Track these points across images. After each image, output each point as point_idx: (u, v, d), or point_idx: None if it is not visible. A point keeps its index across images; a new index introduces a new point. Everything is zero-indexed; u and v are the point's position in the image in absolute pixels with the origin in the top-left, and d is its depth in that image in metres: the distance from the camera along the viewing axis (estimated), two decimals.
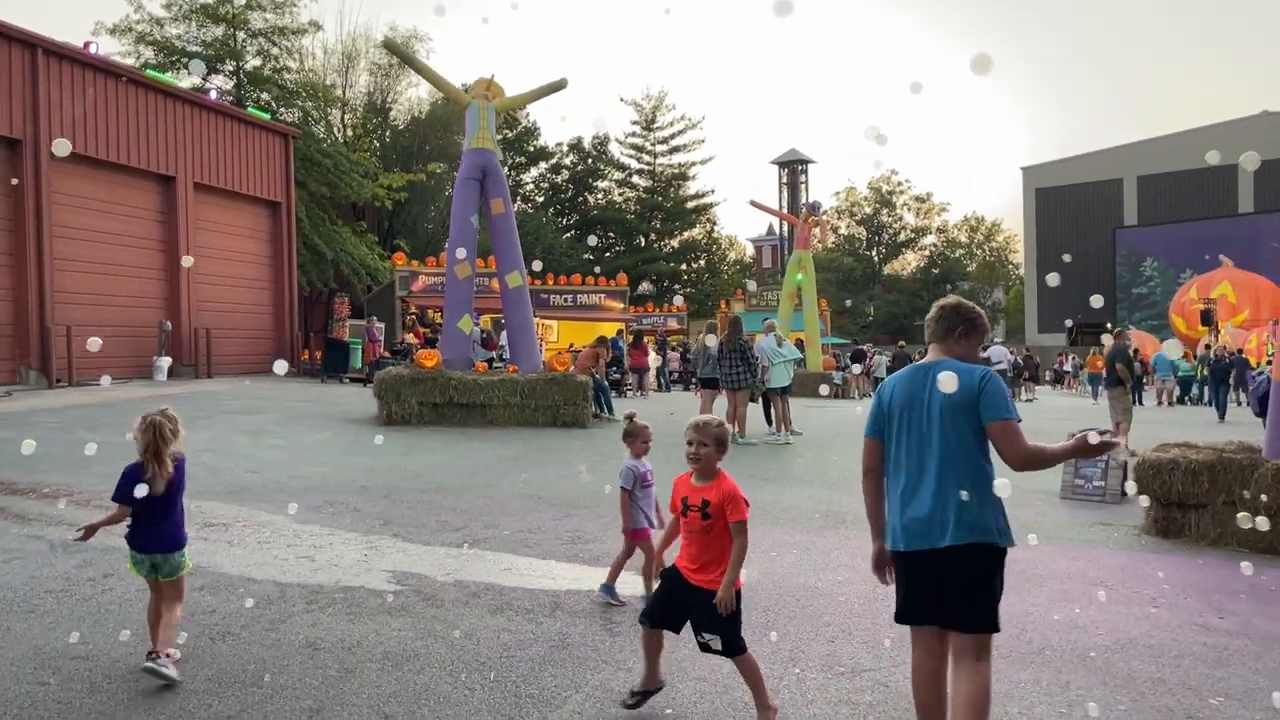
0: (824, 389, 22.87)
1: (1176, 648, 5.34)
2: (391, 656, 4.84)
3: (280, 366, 5.06)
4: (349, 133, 41.26)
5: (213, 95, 26.05)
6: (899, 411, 3.71)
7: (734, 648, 4.13)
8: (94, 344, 5.36)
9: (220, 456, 11.14)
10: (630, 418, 6.14)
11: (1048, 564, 7.27)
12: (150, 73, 24.92)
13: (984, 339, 3.90)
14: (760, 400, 14.85)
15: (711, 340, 14.28)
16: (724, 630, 4.12)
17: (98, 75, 20.95)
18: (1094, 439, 3.44)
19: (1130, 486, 4.79)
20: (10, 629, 5.07)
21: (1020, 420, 3.66)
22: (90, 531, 4.56)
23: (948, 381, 3.45)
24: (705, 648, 4.20)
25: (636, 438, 5.99)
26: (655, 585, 5.60)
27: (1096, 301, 5.27)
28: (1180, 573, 7.17)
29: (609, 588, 5.87)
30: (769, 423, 14.92)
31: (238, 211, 26.05)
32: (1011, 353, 30.46)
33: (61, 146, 5.06)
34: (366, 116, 43.82)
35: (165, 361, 21.87)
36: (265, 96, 33.40)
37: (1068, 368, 39.19)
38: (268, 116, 28.81)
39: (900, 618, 3.74)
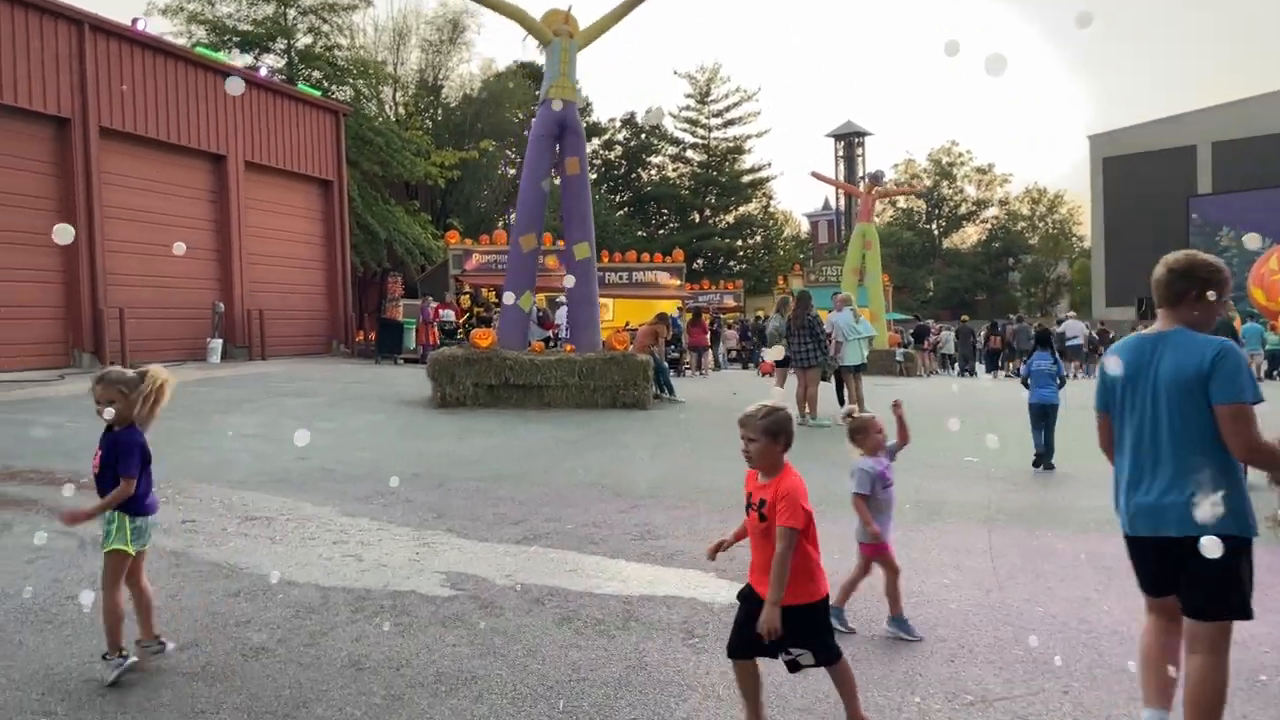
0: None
1: None
2: (445, 679, 4.21)
3: (63, 233, 4.52)
4: (400, 111, 40.87)
5: (262, 73, 25.70)
6: (1122, 387, 3.39)
7: (829, 656, 3.59)
8: (179, 248, 5.11)
9: (267, 442, 10.66)
10: (850, 414, 5.34)
11: None
12: (200, 50, 24.61)
13: (1225, 297, 3.34)
14: (832, 379, 14.06)
15: (775, 318, 13.55)
16: (812, 640, 3.55)
17: (146, 52, 20.64)
18: None
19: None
20: (22, 643, 4.54)
21: (1260, 402, 3.12)
22: (86, 517, 4.17)
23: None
24: (794, 665, 3.62)
25: (867, 432, 5.18)
26: (899, 610, 4.91)
27: (1252, 242, 4.56)
28: None
29: (836, 611, 4.88)
30: (841, 403, 14.14)
31: (290, 190, 25.71)
32: (1086, 327, 29.21)
33: (235, 85, 4.80)
34: (418, 94, 43.39)
35: (218, 343, 21.62)
36: (316, 74, 33.07)
37: None
38: (318, 94, 28.44)
39: (1141, 587, 3.56)
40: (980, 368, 31.20)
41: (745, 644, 3.61)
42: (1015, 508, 8.18)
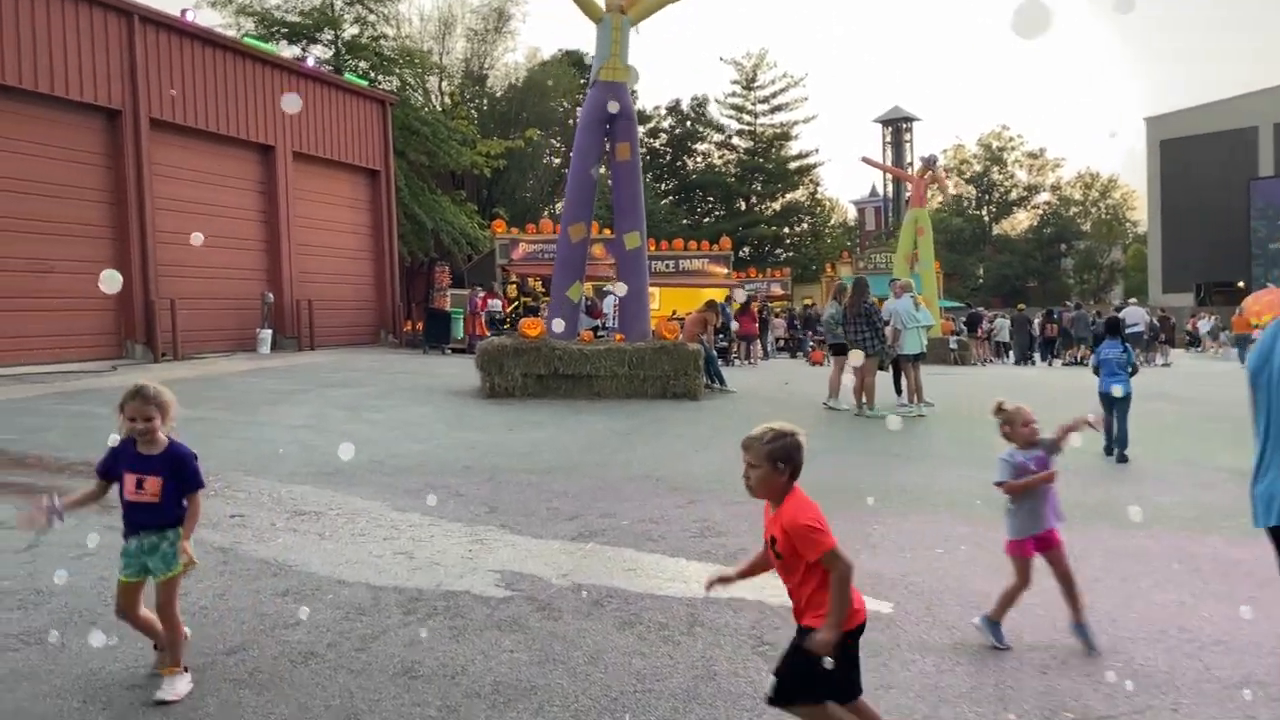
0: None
1: None
2: (503, 690, 3.97)
3: (110, 281, 4.31)
4: (446, 100, 40.82)
5: (310, 63, 25.70)
6: (1252, 373, 3.27)
7: (848, 692, 3.19)
8: (197, 238, 4.79)
9: (316, 434, 10.53)
10: (1000, 405, 4.85)
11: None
12: (248, 41, 24.64)
13: None
14: (890, 368, 13.68)
15: (832, 305, 13.20)
16: (786, 672, 3.17)
17: (195, 44, 20.67)
18: None
19: None
20: (66, 646, 4.36)
21: None
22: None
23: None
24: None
25: (1014, 424, 4.73)
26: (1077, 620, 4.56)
27: None
28: None
29: (993, 624, 4.57)
30: (898, 392, 13.75)
31: (337, 180, 25.71)
32: (1147, 314, 28.39)
33: (291, 102, 4.47)
34: (464, 84, 43.34)
35: (267, 334, 21.67)
36: (363, 65, 33.07)
37: (1203, 328, 36.59)
38: (365, 84, 28.41)
39: None
40: (1036, 356, 30.47)
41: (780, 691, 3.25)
42: (1092, 503, 7.77)
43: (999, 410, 4.81)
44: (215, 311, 20.86)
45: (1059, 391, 16.22)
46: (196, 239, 10.95)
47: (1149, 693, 4.01)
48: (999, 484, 4.69)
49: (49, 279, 17.09)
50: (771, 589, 5.30)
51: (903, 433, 11.50)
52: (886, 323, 12.98)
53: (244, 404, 12.68)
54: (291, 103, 4.38)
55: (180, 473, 3.94)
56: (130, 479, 3.90)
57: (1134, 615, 4.98)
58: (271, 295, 22.26)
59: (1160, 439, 11.12)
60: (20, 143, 16.84)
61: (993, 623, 4.59)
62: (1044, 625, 4.80)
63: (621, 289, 12.17)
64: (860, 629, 3.20)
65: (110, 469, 3.96)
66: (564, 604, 5.06)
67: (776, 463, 3.21)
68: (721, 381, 15.55)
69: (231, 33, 28.35)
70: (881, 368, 13.17)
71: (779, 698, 3.20)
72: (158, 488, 3.90)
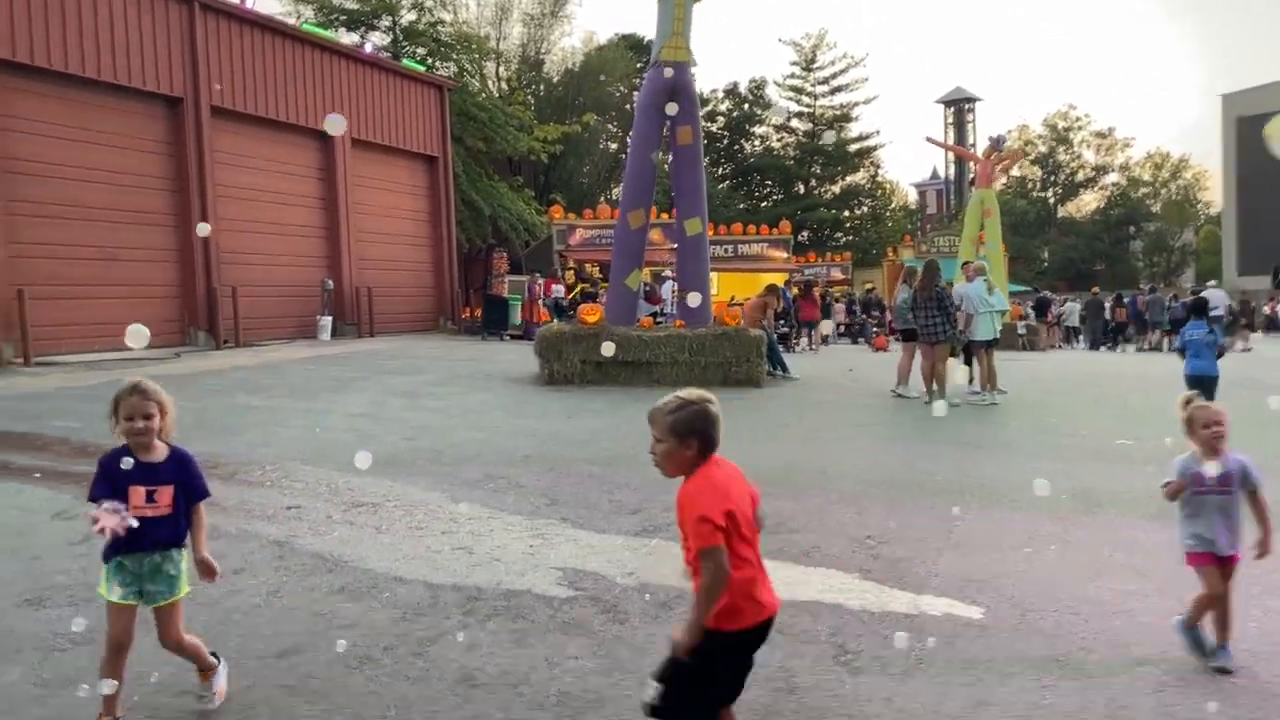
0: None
1: None
2: (569, 701, 3.72)
3: (137, 336, 3.67)
4: (503, 85, 40.72)
5: (367, 50, 25.70)
6: None
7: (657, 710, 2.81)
8: (202, 229, 4.36)
9: (374, 422, 10.39)
10: (1188, 400, 4.31)
11: None
12: (307, 27, 24.70)
13: None
14: (961, 354, 13.21)
15: (903, 290, 12.76)
16: (664, 684, 2.80)
17: (254, 31, 20.71)
18: None
19: None
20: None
21: None
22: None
23: None
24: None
25: (1192, 425, 4.18)
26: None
27: None
28: None
29: (1190, 630, 4.17)
30: (969, 380, 13.27)
31: (396, 167, 25.69)
32: (1227, 297, 27.33)
33: (336, 124, 4.04)
34: (520, 69, 43.20)
35: (328, 321, 21.72)
36: (421, 51, 33.05)
37: None
38: (422, 69, 28.35)
39: None
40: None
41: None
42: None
43: (1186, 402, 4.29)
44: (276, 299, 20.93)
45: (1141, 379, 15.60)
46: (203, 229, 10.75)
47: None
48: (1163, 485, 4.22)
49: (114, 267, 17.23)
50: (849, 592, 5.00)
51: (976, 422, 11.05)
52: (958, 307, 12.51)
53: (304, 391, 12.61)
54: (335, 124, 4.01)
55: (189, 480, 3.58)
56: (138, 492, 3.44)
57: (1252, 626, 4.56)
58: (331, 282, 22.30)
59: (1250, 427, 10.52)
60: (86, 131, 16.96)
61: (1190, 629, 4.16)
62: (1156, 637, 4.41)
63: (695, 299, 11.89)
64: (754, 637, 2.86)
65: (111, 489, 3.41)
66: (630, 606, 4.79)
67: (681, 435, 2.87)
68: (784, 368, 15.18)
69: (291, 20, 28.46)
70: (954, 353, 12.70)
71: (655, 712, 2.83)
72: (169, 498, 3.51)
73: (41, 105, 16.27)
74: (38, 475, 7.65)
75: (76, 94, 16.85)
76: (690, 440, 2.88)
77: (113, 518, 3.32)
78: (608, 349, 12.42)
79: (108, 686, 3.43)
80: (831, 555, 5.64)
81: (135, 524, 3.36)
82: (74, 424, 9.71)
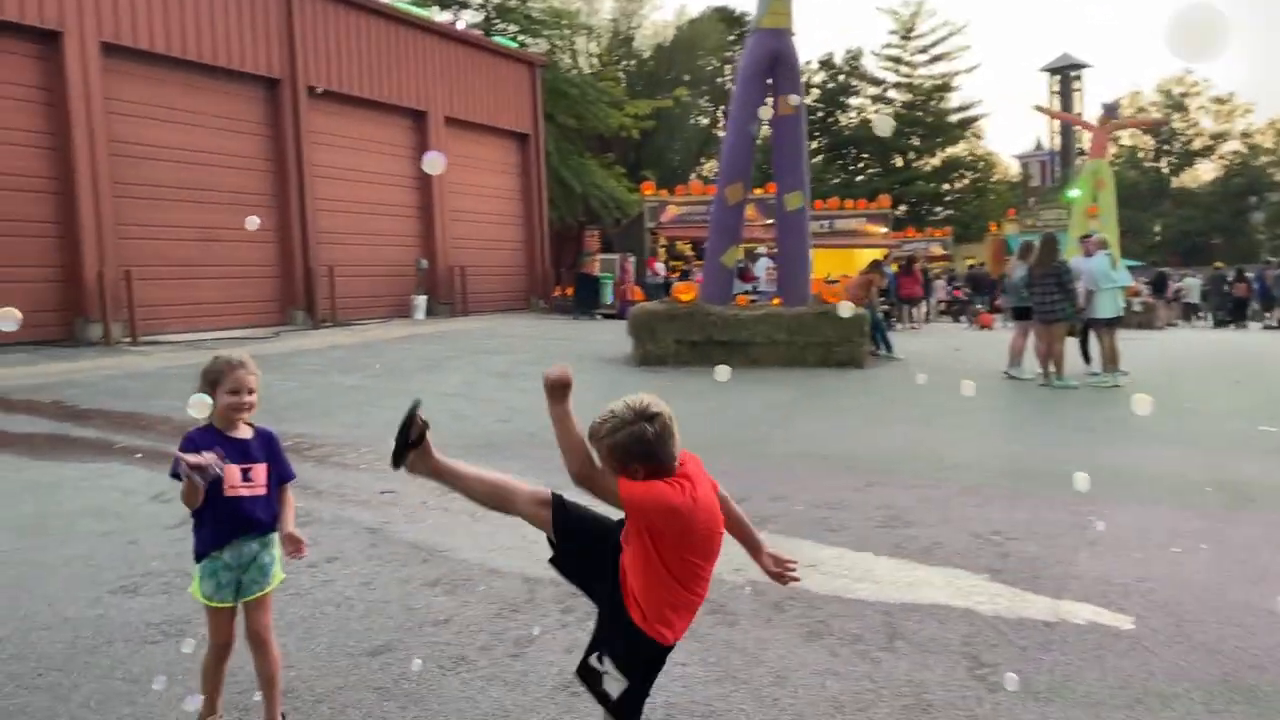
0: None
1: None
2: (678, 715, 3.42)
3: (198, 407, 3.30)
4: (594, 62, 40.47)
5: (460, 27, 25.67)
6: None
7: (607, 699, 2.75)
8: (251, 223, 4.11)
9: (468, 402, 10.25)
10: None
11: None
12: (402, 5, 24.75)
13: None
14: (1080, 333, 12.49)
15: (1020, 266, 12.09)
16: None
17: (350, 10, 20.79)
18: None
19: None
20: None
21: None
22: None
23: None
24: (590, 675, 2.75)
25: None
26: None
27: None
28: None
29: None
30: (1086, 360, 12.56)
31: (488, 145, 25.66)
32: None
33: (434, 163, 3.77)
34: (611, 45, 42.88)
35: (422, 300, 21.83)
36: (513, 28, 32.99)
37: None
38: (515, 45, 28.24)
39: None
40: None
41: None
42: None
43: None
44: (371, 278, 21.11)
45: (1267, 356, 14.61)
46: (252, 223, 10.66)
47: None
48: None
49: (214, 247, 17.52)
50: (979, 595, 4.59)
51: (1098, 406, 10.37)
52: (1077, 280, 11.78)
53: (399, 371, 12.58)
54: (434, 164, 3.64)
55: (277, 458, 3.37)
56: (234, 471, 3.20)
57: None
58: (426, 261, 22.40)
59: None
60: (187, 113, 17.25)
61: None
62: None
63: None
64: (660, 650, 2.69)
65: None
66: (739, 606, 4.45)
67: (622, 462, 2.58)
68: (889, 348, 14.63)
69: None
70: (1072, 333, 12.00)
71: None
72: (264, 476, 3.30)
73: (145, 88, 16.59)
74: (139, 455, 7.68)
75: (179, 76, 17.13)
76: (634, 467, 2.60)
77: (210, 456, 3.07)
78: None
79: (194, 703, 3.23)
80: (955, 553, 5.22)
81: (220, 473, 3.11)
82: (176, 403, 9.78)
